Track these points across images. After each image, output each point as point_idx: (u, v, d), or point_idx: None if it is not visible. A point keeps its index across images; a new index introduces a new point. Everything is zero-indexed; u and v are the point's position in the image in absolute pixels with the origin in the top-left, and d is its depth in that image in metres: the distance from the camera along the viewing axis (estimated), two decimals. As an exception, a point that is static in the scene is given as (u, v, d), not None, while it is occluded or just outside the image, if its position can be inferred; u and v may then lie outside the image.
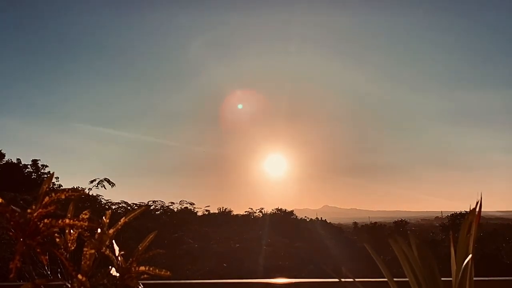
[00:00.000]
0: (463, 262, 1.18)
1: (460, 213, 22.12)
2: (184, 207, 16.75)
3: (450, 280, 1.26)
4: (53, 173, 1.53)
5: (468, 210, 1.30)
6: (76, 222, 1.11)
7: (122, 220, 1.28)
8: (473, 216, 1.26)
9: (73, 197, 1.12)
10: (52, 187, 13.44)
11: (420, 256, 1.22)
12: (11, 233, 1.04)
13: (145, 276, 1.29)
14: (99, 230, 1.24)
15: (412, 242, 1.25)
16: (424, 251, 1.23)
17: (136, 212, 1.33)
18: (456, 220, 21.93)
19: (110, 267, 1.26)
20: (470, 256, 1.18)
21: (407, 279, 1.27)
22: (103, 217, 1.28)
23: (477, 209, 1.27)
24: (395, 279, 1.32)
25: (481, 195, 1.27)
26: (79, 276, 1.13)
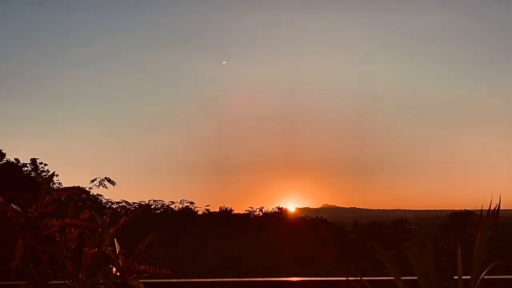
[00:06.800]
0: (482, 270, 1.15)
1: (460, 211, 22.14)
2: (185, 206, 16.79)
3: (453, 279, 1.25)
4: (54, 172, 1.53)
5: (467, 208, 1.29)
6: (77, 221, 1.11)
7: (122, 219, 1.28)
8: (488, 216, 1.23)
9: (74, 196, 1.12)
10: (52, 186, 13.46)
11: (434, 259, 1.20)
12: (11, 232, 1.05)
13: (145, 274, 1.30)
14: (99, 230, 1.24)
15: (421, 244, 1.23)
16: (437, 255, 1.21)
17: (136, 212, 1.34)
18: (456, 219, 21.96)
19: (110, 266, 1.26)
20: (491, 265, 1.15)
21: (415, 278, 1.25)
22: (104, 216, 1.28)
23: (495, 209, 1.24)
24: (402, 278, 1.31)
25: (500, 197, 1.23)
26: (80, 275, 1.13)
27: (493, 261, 1.19)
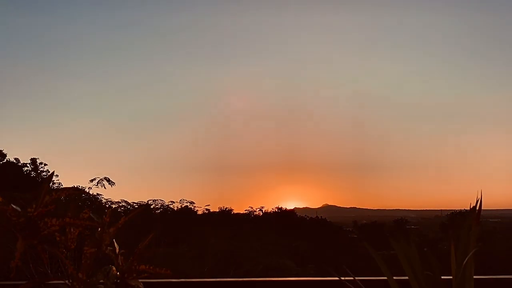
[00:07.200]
0: (463, 261, 1.18)
1: (460, 211, 22.15)
2: (184, 206, 16.80)
3: (450, 279, 1.26)
4: (53, 172, 1.52)
5: (468, 208, 1.30)
6: (77, 221, 1.11)
7: (122, 219, 1.28)
8: (473, 215, 1.26)
9: (74, 196, 1.12)
10: (52, 186, 13.46)
11: (420, 255, 1.23)
12: (11, 232, 1.05)
13: (145, 274, 1.30)
14: (99, 229, 1.24)
15: (412, 241, 1.25)
16: (424, 250, 1.23)
17: (136, 212, 1.34)
18: (455, 219, 21.96)
19: (110, 266, 1.26)
20: (469, 254, 1.18)
21: (406, 278, 1.27)
22: (103, 216, 1.29)
23: (477, 208, 1.27)
24: (395, 278, 1.32)
25: (481, 193, 1.27)
26: (80, 275, 1.13)
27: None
